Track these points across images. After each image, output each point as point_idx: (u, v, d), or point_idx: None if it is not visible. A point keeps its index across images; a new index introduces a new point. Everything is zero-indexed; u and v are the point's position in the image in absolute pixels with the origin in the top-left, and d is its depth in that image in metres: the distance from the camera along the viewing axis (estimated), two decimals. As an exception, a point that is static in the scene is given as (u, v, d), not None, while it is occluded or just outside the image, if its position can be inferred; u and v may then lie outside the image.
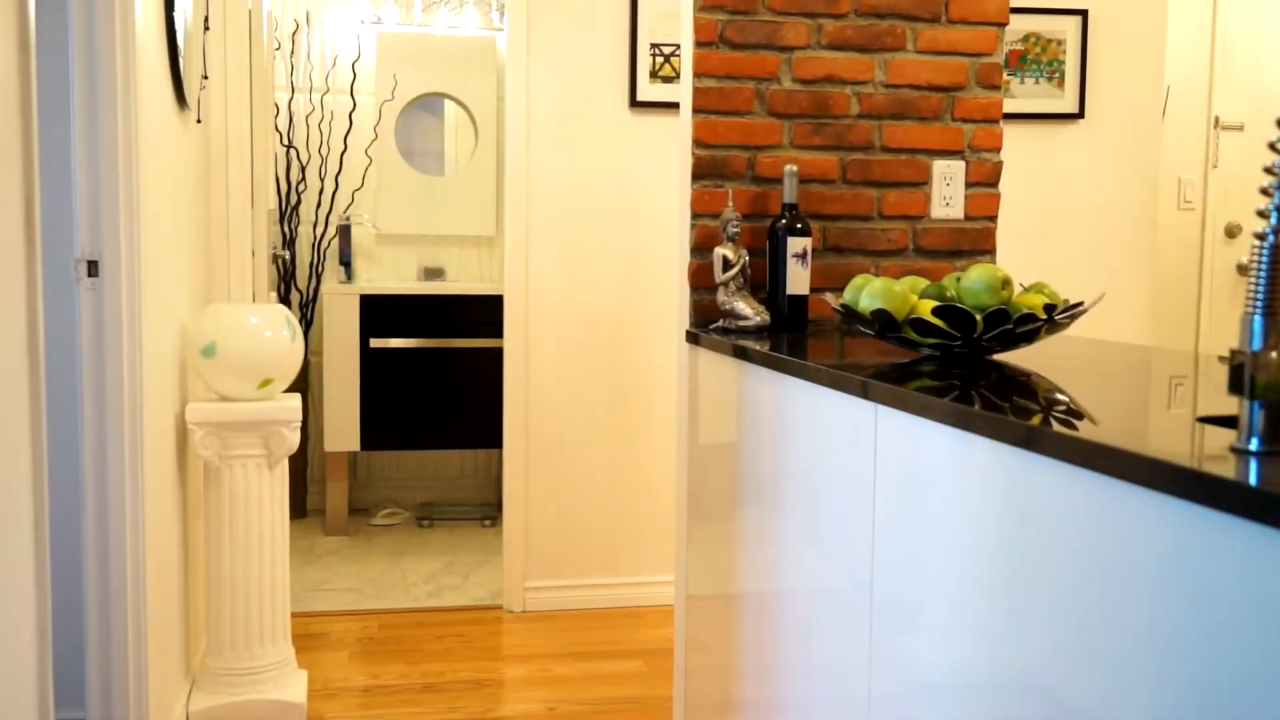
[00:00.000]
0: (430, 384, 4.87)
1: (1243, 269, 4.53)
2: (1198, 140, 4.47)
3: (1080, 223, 3.96)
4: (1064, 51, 3.88)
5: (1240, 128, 4.46)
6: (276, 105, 5.00)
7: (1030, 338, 1.87)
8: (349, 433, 4.81)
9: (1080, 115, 3.92)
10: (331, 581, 4.24)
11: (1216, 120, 4.45)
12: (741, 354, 2.21)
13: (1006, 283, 1.87)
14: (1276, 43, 4.50)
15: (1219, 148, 4.46)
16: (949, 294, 1.96)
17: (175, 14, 2.74)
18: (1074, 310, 1.85)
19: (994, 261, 2.67)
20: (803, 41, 2.57)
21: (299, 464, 5.06)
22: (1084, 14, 3.88)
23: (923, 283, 2.01)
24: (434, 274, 5.29)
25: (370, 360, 4.81)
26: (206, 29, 3.35)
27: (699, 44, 2.54)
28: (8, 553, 1.60)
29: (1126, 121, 3.96)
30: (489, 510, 5.22)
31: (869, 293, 1.92)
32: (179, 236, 2.92)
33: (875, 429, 1.65)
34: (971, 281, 1.89)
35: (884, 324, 1.90)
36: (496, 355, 4.69)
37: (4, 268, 1.51)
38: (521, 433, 3.91)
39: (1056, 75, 3.89)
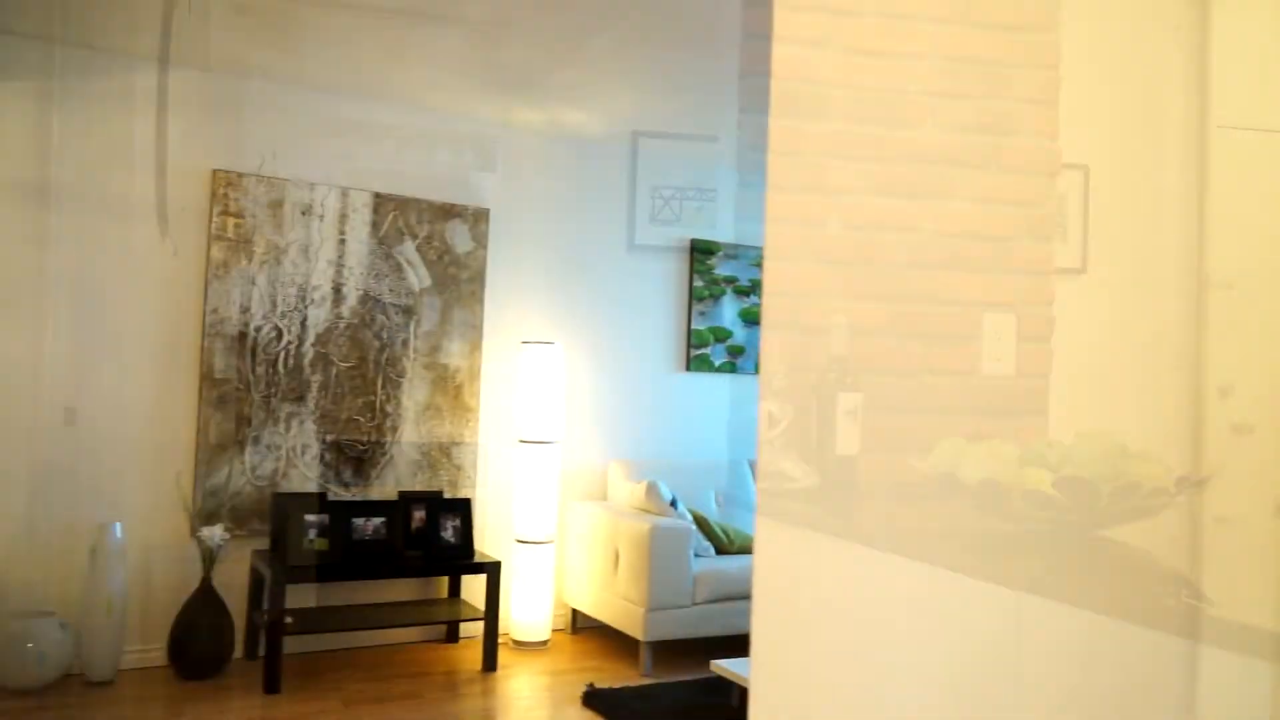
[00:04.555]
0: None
1: (1238, 429, 4.44)
2: (1188, 298, 4.40)
3: (1083, 380, 3.83)
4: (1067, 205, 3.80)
5: (1230, 286, 4.41)
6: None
7: (1150, 512, 1.69)
8: None
9: (1083, 271, 3.83)
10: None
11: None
12: (822, 525, 1.99)
13: (1125, 451, 1.70)
14: (1265, 199, 4.48)
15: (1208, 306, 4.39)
16: (1050, 461, 1.78)
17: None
18: (1203, 481, 1.68)
19: (1046, 422, 2.50)
20: (849, 186, 2.42)
21: None
22: (1084, 169, 3.81)
23: (1016, 449, 1.83)
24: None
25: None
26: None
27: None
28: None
29: (1129, 277, 3.86)
30: None
31: (973, 459, 1.73)
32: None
33: (1019, 617, 1.45)
34: (1082, 449, 1.71)
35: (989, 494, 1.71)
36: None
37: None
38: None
39: (1059, 229, 3.80)
